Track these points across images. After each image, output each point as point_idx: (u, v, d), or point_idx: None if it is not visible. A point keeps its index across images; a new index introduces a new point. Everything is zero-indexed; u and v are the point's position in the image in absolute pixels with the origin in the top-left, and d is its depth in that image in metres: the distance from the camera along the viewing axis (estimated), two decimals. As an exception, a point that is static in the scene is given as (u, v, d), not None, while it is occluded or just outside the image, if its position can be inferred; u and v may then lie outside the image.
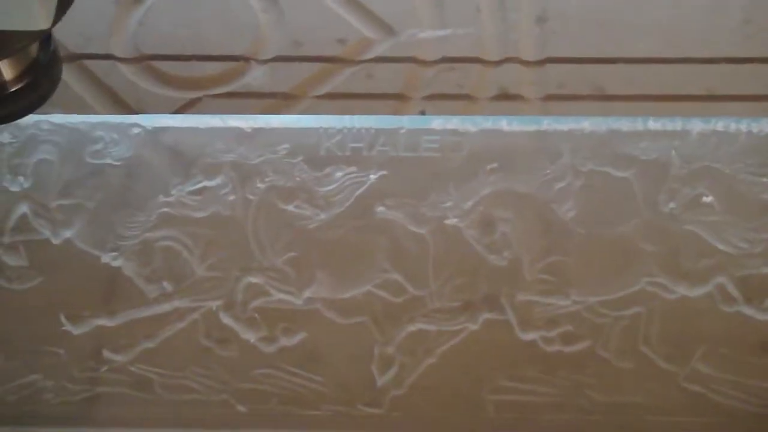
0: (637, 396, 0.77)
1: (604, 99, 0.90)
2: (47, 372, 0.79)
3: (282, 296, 0.82)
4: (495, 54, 0.92)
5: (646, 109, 0.89)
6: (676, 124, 0.88)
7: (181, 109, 0.90)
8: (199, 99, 0.91)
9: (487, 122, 0.89)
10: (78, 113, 0.89)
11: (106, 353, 0.80)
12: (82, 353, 0.80)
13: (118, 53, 0.93)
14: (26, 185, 0.88)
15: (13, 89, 0.68)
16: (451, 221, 0.85)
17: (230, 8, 0.93)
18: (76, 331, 0.81)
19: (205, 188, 0.87)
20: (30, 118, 0.87)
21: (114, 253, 0.84)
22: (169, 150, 0.89)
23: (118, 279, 0.83)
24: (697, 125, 0.88)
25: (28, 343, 0.80)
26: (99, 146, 0.89)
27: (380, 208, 0.86)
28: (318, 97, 0.91)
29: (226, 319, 0.81)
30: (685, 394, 0.77)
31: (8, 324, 0.81)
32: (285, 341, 0.80)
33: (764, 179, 0.85)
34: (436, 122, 0.89)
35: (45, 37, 0.67)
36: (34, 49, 0.68)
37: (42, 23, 0.63)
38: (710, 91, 0.89)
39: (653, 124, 0.88)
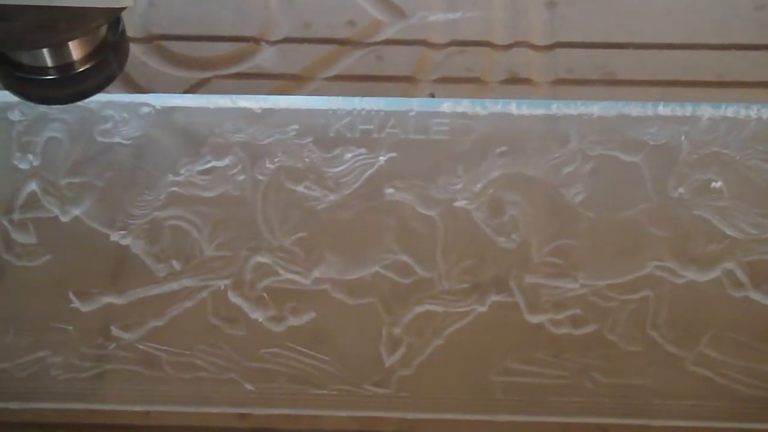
0: (644, 379, 0.77)
1: (613, 84, 0.90)
2: (56, 348, 0.79)
3: (290, 276, 0.82)
4: (505, 38, 0.93)
5: (655, 94, 0.89)
6: (685, 110, 0.88)
7: (191, 89, 0.90)
8: (208, 79, 0.91)
9: (496, 106, 0.89)
10: (88, 92, 0.89)
11: (115, 331, 0.80)
12: (90, 330, 0.80)
13: (128, 33, 0.92)
14: (35, 163, 0.88)
15: (81, 69, 0.68)
16: (460, 203, 0.85)
17: (240, -11, 0.94)
18: (84, 308, 0.81)
19: (214, 168, 0.87)
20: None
21: (123, 232, 0.84)
22: (179, 129, 0.89)
23: (127, 257, 0.83)
24: (707, 111, 0.88)
25: (37, 320, 0.80)
26: (108, 125, 0.89)
27: (389, 190, 0.86)
28: (328, 78, 0.91)
29: (234, 299, 0.81)
30: (692, 378, 0.77)
31: (17, 300, 0.81)
32: (293, 321, 0.80)
33: (774, 165, 0.86)
34: (446, 105, 0.89)
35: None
36: (103, 28, 0.67)
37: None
38: (720, 77, 0.90)
39: (663, 110, 0.88)
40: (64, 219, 0.85)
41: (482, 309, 0.80)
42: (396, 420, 0.76)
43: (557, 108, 0.89)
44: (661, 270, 0.82)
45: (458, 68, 0.91)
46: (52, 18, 0.62)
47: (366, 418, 0.76)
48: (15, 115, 0.89)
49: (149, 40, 0.92)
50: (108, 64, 0.69)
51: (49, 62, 0.67)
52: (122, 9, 0.64)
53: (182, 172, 0.87)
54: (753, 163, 0.86)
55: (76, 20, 0.62)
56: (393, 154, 0.88)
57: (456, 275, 0.82)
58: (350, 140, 0.88)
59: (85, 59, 0.67)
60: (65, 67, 0.67)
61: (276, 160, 0.87)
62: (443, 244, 0.83)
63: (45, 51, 0.66)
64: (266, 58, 0.92)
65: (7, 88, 0.69)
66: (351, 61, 0.91)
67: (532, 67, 0.91)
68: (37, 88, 0.69)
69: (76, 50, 0.66)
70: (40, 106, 0.88)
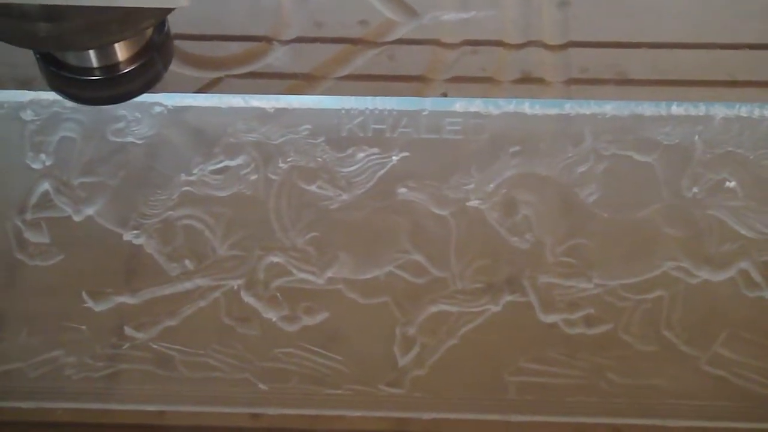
0: (658, 379, 0.77)
1: (626, 83, 0.90)
2: (69, 348, 0.79)
3: (304, 276, 0.82)
4: (517, 37, 0.93)
5: (668, 93, 0.89)
6: (699, 109, 0.88)
7: (203, 89, 0.90)
8: (221, 78, 0.91)
9: (509, 105, 0.89)
10: (100, 91, 0.89)
11: (128, 330, 0.80)
12: (104, 330, 0.80)
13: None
14: (48, 163, 0.88)
15: (126, 70, 0.67)
16: (474, 203, 0.85)
17: (252, -11, 0.94)
18: (97, 307, 0.81)
19: (227, 167, 0.87)
20: (52, 95, 0.87)
21: (136, 231, 0.84)
22: (191, 129, 0.89)
23: (140, 257, 0.83)
24: (720, 110, 0.88)
25: (50, 319, 0.80)
26: (121, 125, 0.89)
27: (402, 190, 0.86)
28: (340, 78, 0.91)
29: (247, 298, 0.81)
30: (706, 378, 0.77)
31: (30, 300, 0.81)
32: (307, 320, 0.80)
33: (788, 165, 0.86)
34: (459, 104, 0.89)
35: None
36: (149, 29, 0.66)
37: None
38: (734, 77, 0.89)
39: (676, 109, 0.88)
40: (77, 218, 0.85)
41: (496, 309, 0.80)
42: (410, 420, 0.76)
43: (570, 107, 0.89)
44: (675, 270, 0.82)
45: (471, 68, 0.91)
46: (103, 18, 0.61)
47: (379, 419, 0.76)
48: (28, 115, 0.89)
49: (161, 39, 0.92)
50: (153, 64, 0.68)
51: (95, 63, 0.66)
52: (173, 9, 0.63)
53: (195, 171, 0.87)
54: (767, 162, 0.86)
55: (127, 20, 0.61)
56: (406, 154, 0.87)
57: (469, 275, 0.82)
58: (363, 140, 0.88)
59: (131, 60, 0.67)
60: (110, 68, 0.66)
61: (289, 159, 0.87)
62: (456, 243, 0.83)
63: (91, 51, 0.65)
64: (279, 58, 0.92)
65: (51, 87, 0.69)
66: (363, 61, 0.91)
67: (545, 67, 0.91)
68: (81, 89, 0.68)
69: (121, 51, 0.66)
70: (53, 105, 0.88)
